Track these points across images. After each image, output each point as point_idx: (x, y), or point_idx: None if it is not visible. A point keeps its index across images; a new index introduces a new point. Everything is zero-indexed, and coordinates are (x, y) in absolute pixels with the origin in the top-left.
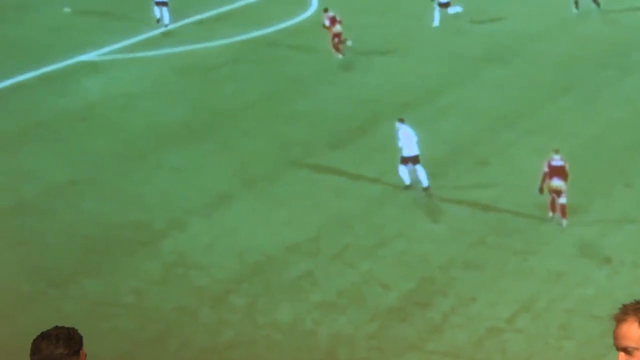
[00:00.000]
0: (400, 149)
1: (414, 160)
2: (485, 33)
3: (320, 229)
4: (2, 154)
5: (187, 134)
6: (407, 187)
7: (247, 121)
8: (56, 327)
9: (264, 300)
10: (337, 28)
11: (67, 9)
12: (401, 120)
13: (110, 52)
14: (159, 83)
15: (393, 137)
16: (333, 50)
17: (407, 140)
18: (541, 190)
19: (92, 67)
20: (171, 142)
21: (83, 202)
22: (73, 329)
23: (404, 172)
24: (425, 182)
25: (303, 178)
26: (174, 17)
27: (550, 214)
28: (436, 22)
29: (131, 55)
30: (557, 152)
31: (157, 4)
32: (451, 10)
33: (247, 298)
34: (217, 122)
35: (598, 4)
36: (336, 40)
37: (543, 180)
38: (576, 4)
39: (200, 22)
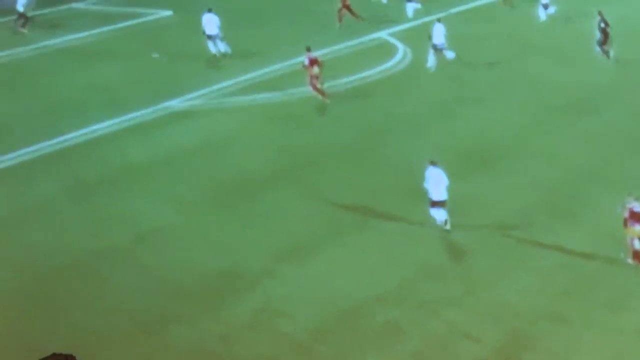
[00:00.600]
0: (427, 191)
1: (441, 205)
2: (571, 82)
3: (406, 277)
4: (92, 200)
5: (274, 180)
6: (446, 230)
7: (333, 168)
8: (54, 355)
9: (350, 349)
10: (315, 70)
11: (155, 55)
12: (433, 163)
13: (198, 98)
14: (247, 129)
15: (481, 187)
16: (311, 89)
17: (437, 184)
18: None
19: (180, 114)
20: (259, 188)
21: (171, 248)
22: (71, 355)
23: (438, 214)
24: (448, 226)
25: (389, 227)
26: (262, 65)
27: (631, 261)
28: (430, 62)
29: (218, 101)
30: (635, 198)
31: (209, 37)
32: (449, 55)
33: (333, 346)
34: (304, 169)
35: None
36: (314, 81)
37: (625, 227)
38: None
39: (287, 70)
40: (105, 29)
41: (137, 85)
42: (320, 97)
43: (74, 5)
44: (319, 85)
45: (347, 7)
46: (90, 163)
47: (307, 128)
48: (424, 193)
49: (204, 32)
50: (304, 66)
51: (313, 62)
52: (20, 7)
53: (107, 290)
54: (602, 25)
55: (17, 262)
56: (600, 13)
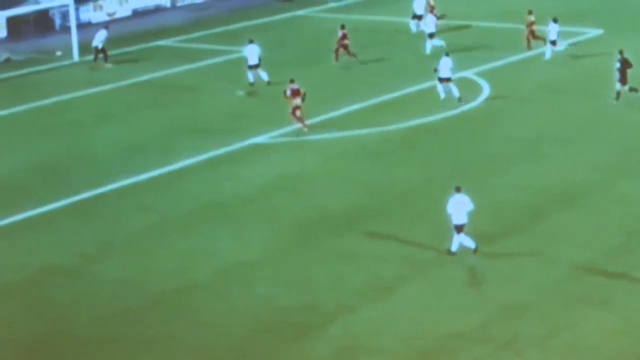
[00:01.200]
0: (449, 216)
1: (460, 228)
2: None
3: (489, 314)
4: (176, 235)
5: (357, 217)
6: (474, 250)
7: (415, 205)
8: None
9: None
10: (297, 101)
11: (240, 92)
12: (458, 190)
13: (282, 135)
14: (330, 166)
15: (566, 226)
16: (294, 120)
17: (458, 209)
18: None
19: (263, 150)
20: (341, 225)
21: (253, 284)
22: None
23: (464, 239)
24: (454, 248)
25: (471, 265)
26: (345, 102)
27: None
28: (442, 94)
29: (302, 138)
30: None
31: (250, 67)
32: (454, 90)
33: None
34: (386, 206)
35: None
36: (297, 112)
37: None
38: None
39: (366, 108)
40: (190, 66)
41: (222, 121)
42: (303, 127)
43: (160, 42)
44: (298, 114)
45: (344, 46)
46: (174, 198)
47: (390, 164)
48: (507, 230)
49: (246, 63)
50: (286, 97)
51: (295, 92)
52: (98, 43)
53: (190, 325)
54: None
55: (102, 297)
56: (621, 52)
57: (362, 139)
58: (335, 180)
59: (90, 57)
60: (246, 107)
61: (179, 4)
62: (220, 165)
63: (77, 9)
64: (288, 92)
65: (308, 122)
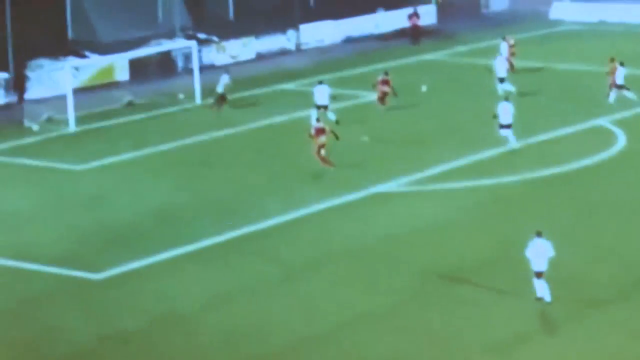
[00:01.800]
0: (529, 261)
1: (540, 275)
2: None
3: None
4: (298, 283)
5: (485, 269)
6: (538, 299)
7: None
8: None
9: None
10: (322, 139)
11: (364, 138)
12: (539, 234)
13: (408, 184)
14: (455, 216)
15: None
16: (318, 160)
17: (538, 255)
18: None
19: (387, 198)
20: (467, 276)
21: (376, 337)
22: None
23: (540, 286)
24: (548, 297)
25: (606, 318)
26: (473, 149)
27: None
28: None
29: (427, 187)
30: None
31: (318, 107)
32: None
33: None
34: (515, 258)
35: None
36: (322, 151)
37: None
38: None
39: (498, 156)
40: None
41: (347, 167)
42: (328, 166)
43: (284, 86)
44: (322, 154)
45: (384, 93)
46: (298, 245)
47: (518, 215)
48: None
49: (315, 103)
50: (310, 136)
51: (320, 131)
52: (220, 89)
53: None
54: None
55: (222, 347)
56: None
57: (494, 186)
58: (464, 230)
59: (212, 100)
60: (371, 152)
61: (303, 46)
62: (345, 213)
63: (199, 51)
64: (312, 131)
65: (435, 169)
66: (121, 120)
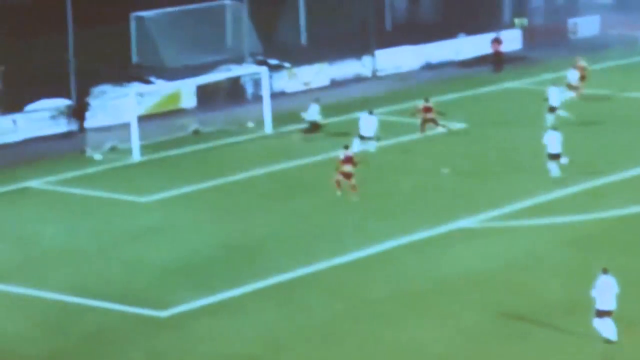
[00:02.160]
0: (594, 299)
1: (608, 314)
2: None
3: None
4: (368, 323)
5: (572, 309)
6: (607, 342)
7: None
8: None
9: None
10: (347, 168)
11: (444, 170)
12: (605, 272)
13: (490, 220)
14: (532, 254)
15: None
16: (336, 185)
17: (604, 292)
18: None
19: (469, 234)
20: (555, 317)
21: None
22: None
23: (602, 325)
24: (614, 336)
25: None
26: (559, 184)
27: None
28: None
29: (511, 223)
30: None
31: (362, 138)
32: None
33: None
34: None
35: None
36: (339, 177)
37: None
38: None
39: (588, 191)
40: (389, 142)
41: (426, 201)
42: (338, 191)
43: (360, 114)
44: (352, 182)
45: (429, 120)
46: (369, 283)
47: (598, 255)
48: None
49: (358, 133)
50: (339, 161)
51: (348, 160)
52: (311, 117)
53: None
54: None
55: None
56: None
57: (580, 225)
58: (550, 269)
59: (285, 128)
60: (451, 187)
61: (380, 73)
62: (422, 250)
63: (270, 77)
64: (341, 156)
65: (523, 203)
66: (187, 149)
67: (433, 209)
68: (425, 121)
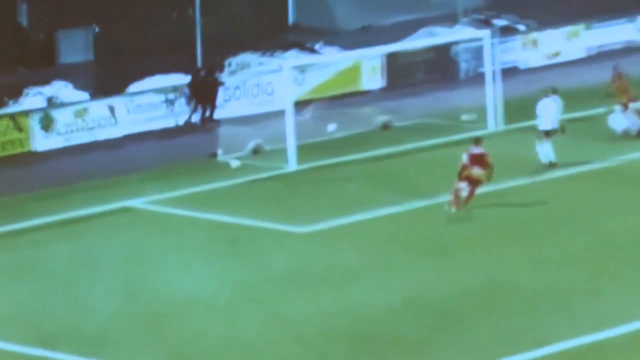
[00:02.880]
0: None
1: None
2: None
3: None
4: None
5: None
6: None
7: None
8: None
9: None
10: (475, 172)
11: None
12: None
13: None
14: None
15: None
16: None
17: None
18: None
19: None
20: None
21: None
22: None
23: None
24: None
25: None
26: None
27: None
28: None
29: None
30: None
31: (546, 134)
32: None
33: None
34: None
35: None
36: (475, 190)
37: None
38: None
39: None
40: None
41: None
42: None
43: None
44: (467, 192)
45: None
46: None
47: None
48: None
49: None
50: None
51: (476, 160)
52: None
53: None
54: None
55: None
56: None
57: None
58: None
59: (519, 124)
60: None
61: None
62: None
63: (497, 45)
64: (465, 158)
65: None
66: (370, 153)
67: None
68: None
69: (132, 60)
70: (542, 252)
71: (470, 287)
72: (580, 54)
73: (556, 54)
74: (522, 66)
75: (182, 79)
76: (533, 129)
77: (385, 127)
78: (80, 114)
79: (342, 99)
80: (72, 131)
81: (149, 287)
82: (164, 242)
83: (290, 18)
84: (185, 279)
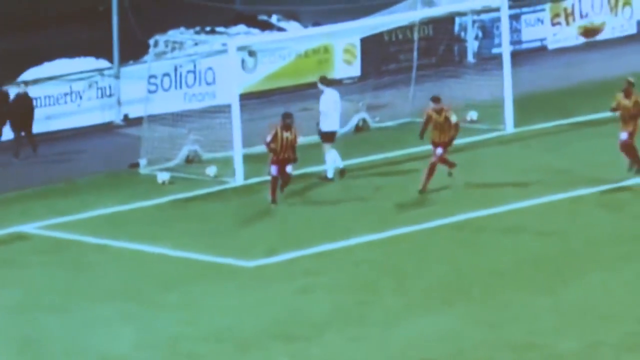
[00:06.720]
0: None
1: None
2: None
3: None
4: None
5: None
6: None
7: None
8: None
9: None
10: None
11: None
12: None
13: None
14: None
15: None
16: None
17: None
18: None
19: None
20: None
21: None
22: None
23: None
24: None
25: None
26: None
27: None
28: None
29: None
30: None
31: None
32: None
33: None
34: None
35: None
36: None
37: None
38: None
39: None
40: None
41: None
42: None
43: None
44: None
45: None
46: None
47: None
48: None
49: None
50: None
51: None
52: None
53: None
54: None
55: None
56: None
57: None
58: None
59: (536, 124)
60: None
61: None
62: None
63: (523, 15)
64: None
65: None
66: (353, 161)
67: None
68: None
69: (35, 41)
70: None
71: None
72: (631, 29)
73: (597, 30)
74: (551, 45)
75: (93, 63)
76: (568, 128)
77: (360, 128)
78: None
79: (305, 90)
80: None
81: (49, 346)
82: (67, 281)
83: None
84: (100, 334)
